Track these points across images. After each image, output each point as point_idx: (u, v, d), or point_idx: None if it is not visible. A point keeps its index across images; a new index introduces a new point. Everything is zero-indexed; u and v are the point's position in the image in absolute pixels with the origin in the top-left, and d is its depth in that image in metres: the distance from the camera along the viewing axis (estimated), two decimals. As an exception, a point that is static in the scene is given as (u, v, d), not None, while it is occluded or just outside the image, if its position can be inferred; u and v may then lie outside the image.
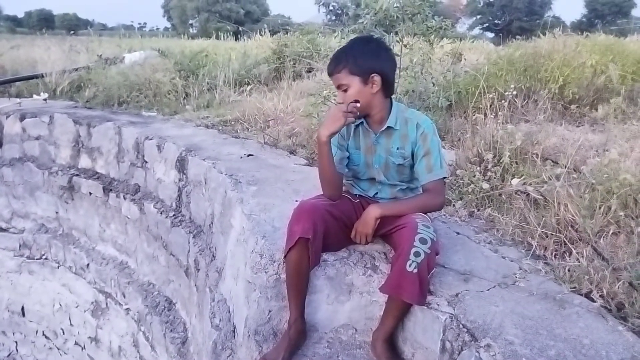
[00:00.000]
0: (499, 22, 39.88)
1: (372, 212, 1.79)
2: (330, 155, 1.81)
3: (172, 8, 45.28)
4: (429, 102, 3.42)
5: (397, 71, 3.31)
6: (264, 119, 4.07)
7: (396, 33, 3.29)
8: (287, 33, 6.70)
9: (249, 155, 3.31)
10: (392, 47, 3.27)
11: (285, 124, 3.89)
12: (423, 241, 1.57)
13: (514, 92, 3.30)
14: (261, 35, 9.30)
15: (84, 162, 4.51)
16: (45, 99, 5.67)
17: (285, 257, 1.72)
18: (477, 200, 2.39)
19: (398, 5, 3.20)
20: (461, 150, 2.86)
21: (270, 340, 1.83)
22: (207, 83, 5.42)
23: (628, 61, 4.18)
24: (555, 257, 1.88)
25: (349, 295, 1.87)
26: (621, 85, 3.93)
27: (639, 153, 2.47)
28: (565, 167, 2.27)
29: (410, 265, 1.54)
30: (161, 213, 3.59)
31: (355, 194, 1.98)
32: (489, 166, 2.51)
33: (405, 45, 3.35)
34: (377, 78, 1.76)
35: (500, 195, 2.36)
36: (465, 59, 4.75)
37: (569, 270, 1.74)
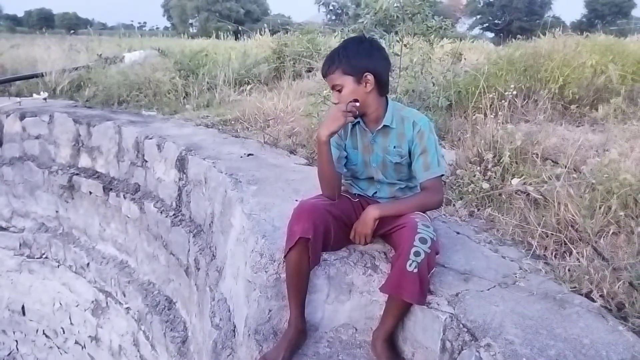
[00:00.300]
0: (499, 22, 39.85)
1: (371, 213, 1.79)
2: (330, 155, 1.82)
3: (172, 7, 45.24)
4: (429, 101, 3.42)
5: (398, 71, 3.33)
6: (264, 119, 4.07)
7: (396, 33, 3.29)
8: (287, 33, 6.70)
9: (249, 154, 3.31)
10: (392, 46, 3.27)
11: (285, 124, 3.89)
12: (423, 241, 1.57)
13: (514, 92, 3.30)
14: (261, 34, 9.30)
15: (84, 161, 4.51)
16: (45, 98, 5.67)
17: (285, 256, 1.72)
18: (477, 200, 2.39)
19: (398, 5, 3.20)
20: (461, 150, 2.86)
21: (271, 340, 1.83)
22: (207, 82, 5.42)
23: (628, 61, 4.19)
24: (555, 257, 1.88)
25: (349, 295, 1.87)
26: (621, 85, 3.93)
27: (639, 153, 2.47)
28: (566, 167, 2.27)
29: (410, 265, 1.54)
30: (161, 212, 3.59)
31: (355, 194, 1.98)
32: (489, 166, 2.51)
33: (405, 45, 3.35)
34: (370, 77, 1.77)
35: (500, 195, 2.36)
36: (465, 58, 4.75)
37: (569, 270, 1.74)
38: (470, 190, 2.42)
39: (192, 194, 3.33)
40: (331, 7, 43.55)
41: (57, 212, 4.78)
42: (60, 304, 4.94)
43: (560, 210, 2.02)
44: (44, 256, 4.92)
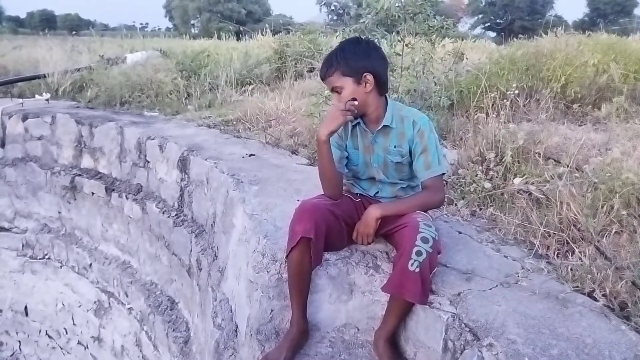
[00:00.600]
0: (501, 21, 39.80)
1: (373, 213, 1.79)
2: (330, 154, 1.82)
3: (173, 8, 45.31)
4: (431, 101, 3.42)
5: (399, 71, 3.32)
6: (266, 119, 4.07)
7: (398, 32, 3.29)
8: (288, 33, 6.71)
9: (250, 155, 3.31)
10: (393, 46, 3.27)
11: (287, 124, 3.90)
12: (425, 240, 1.57)
13: (516, 92, 3.29)
14: (263, 35, 9.32)
15: (86, 162, 4.52)
16: (47, 99, 5.68)
17: (287, 256, 1.72)
18: (479, 199, 2.39)
19: (399, 4, 3.19)
20: (463, 150, 2.85)
21: (273, 340, 1.83)
22: (209, 83, 5.43)
23: (630, 60, 4.18)
24: (557, 256, 1.87)
25: (351, 295, 1.87)
26: (623, 84, 3.93)
27: (642, 152, 2.46)
28: (568, 166, 2.27)
29: (412, 265, 1.54)
30: (163, 213, 3.59)
31: (356, 193, 1.98)
32: (491, 165, 2.50)
33: (406, 45, 3.35)
34: (369, 77, 1.77)
35: (502, 194, 2.36)
36: (467, 58, 4.76)
37: (571, 270, 1.73)
38: (472, 189, 2.41)
39: (194, 195, 3.33)
40: (333, 8, 43.62)
41: (59, 212, 4.79)
42: (63, 304, 4.95)
43: (563, 209, 2.02)
44: (46, 257, 4.93)
